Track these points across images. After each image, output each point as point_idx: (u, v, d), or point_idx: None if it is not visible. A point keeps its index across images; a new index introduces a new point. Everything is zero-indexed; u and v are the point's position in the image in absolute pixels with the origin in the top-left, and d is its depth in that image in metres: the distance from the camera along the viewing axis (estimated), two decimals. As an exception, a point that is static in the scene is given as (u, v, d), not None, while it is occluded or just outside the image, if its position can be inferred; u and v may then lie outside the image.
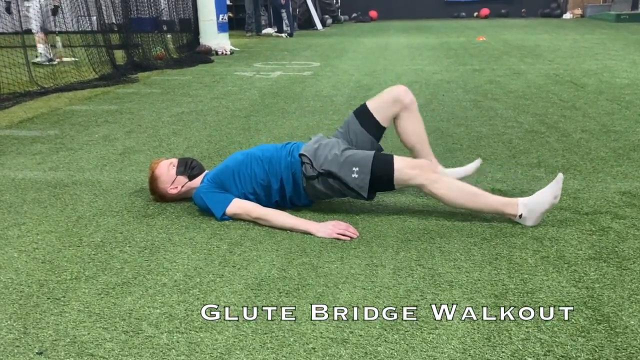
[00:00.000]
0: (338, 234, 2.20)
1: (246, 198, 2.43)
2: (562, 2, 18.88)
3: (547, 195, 2.21)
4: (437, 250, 2.08)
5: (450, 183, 2.27)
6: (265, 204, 2.43)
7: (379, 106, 2.54)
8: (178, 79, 6.68)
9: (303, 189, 2.41)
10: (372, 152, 2.35)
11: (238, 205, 2.37)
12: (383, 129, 2.56)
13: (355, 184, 2.30)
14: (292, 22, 13.70)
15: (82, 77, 6.59)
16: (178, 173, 2.56)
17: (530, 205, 2.24)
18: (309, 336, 1.57)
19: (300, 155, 2.39)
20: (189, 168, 2.57)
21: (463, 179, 2.49)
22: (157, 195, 2.61)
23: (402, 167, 2.27)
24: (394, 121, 2.58)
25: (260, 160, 2.44)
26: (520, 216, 2.25)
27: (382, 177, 2.28)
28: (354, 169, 2.30)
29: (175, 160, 2.61)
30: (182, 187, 2.56)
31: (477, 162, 2.67)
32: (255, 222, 2.34)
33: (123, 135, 3.96)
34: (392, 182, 2.29)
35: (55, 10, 7.76)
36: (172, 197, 2.59)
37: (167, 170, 2.56)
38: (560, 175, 2.21)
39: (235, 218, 2.38)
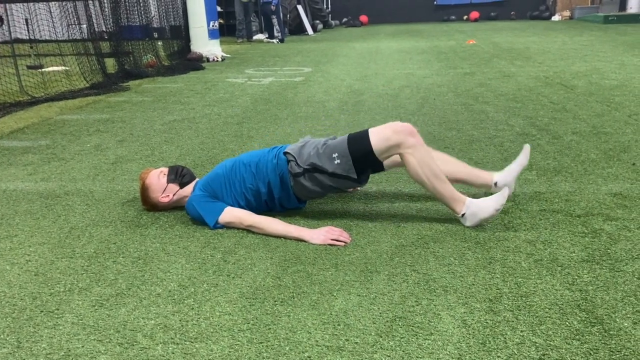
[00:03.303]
0: (332, 239, 2.20)
1: (237, 204, 2.43)
2: (550, 4, 19.03)
3: (490, 204, 2.26)
4: (432, 255, 2.09)
5: (424, 156, 2.24)
6: (256, 208, 2.43)
7: None
8: (169, 86, 6.67)
9: (291, 188, 2.41)
10: (346, 135, 2.36)
11: (231, 214, 2.36)
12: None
13: (340, 169, 2.30)
14: (282, 28, 13.72)
15: (72, 86, 6.56)
16: (169, 181, 2.55)
17: (473, 208, 2.28)
18: (304, 345, 1.57)
19: (285, 153, 2.40)
20: (179, 176, 2.57)
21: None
22: (149, 204, 2.60)
23: (377, 132, 2.27)
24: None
25: (248, 166, 2.44)
26: (463, 215, 2.29)
27: (361, 152, 2.27)
28: (333, 155, 2.30)
29: (165, 169, 2.60)
30: (174, 195, 2.56)
31: (526, 149, 2.58)
32: (248, 229, 2.34)
33: (115, 144, 3.94)
34: (374, 154, 2.26)
35: None
36: (164, 206, 2.59)
37: (157, 179, 2.56)
38: (505, 190, 2.26)
39: (228, 226, 2.38)
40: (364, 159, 2.28)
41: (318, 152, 2.34)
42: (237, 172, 2.44)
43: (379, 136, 2.26)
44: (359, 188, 2.82)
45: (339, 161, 2.29)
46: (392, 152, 2.27)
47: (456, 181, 2.49)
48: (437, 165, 2.29)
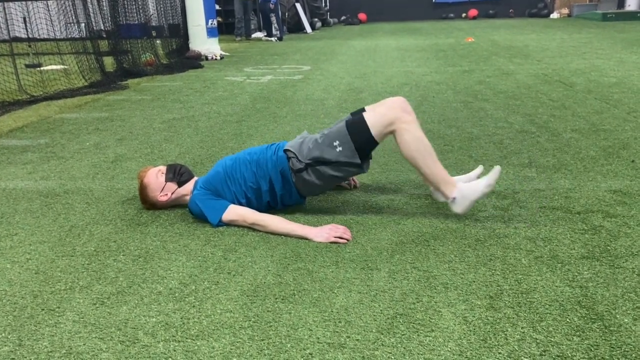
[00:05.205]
0: (335, 237, 2.20)
1: (238, 202, 2.43)
2: (549, 1, 19.03)
3: (480, 184, 2.26)
4: (432, 252, 2.09)
5: (417, 132, 2.28)
6: (257, 206, 2.43)
7: None
8: (168, 85, 6.67)
9: (294, 185, 2.41)
10: (343, 122, 2.38)
11: (234, 212, 2.36)
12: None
13: (343, 155, 2.32)
14: (281, 26, 13.71)
15: (71, 84, 6.55)
16: (167, 180, 2.55)
17: (464, 191, 2.28)
18: (306, 342, 1.57)
19: (286, 150, 2.41)
20: (177, 174, 2.57)
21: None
22: (148, 203, 2.60)
23: (372, 111, 2.32)
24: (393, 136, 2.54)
25: (248, 164, 2.45)
26: (453, 200, 2.29)
27: (361, 136, 2.30)
28: (334, 143, 2.33)
29: (163, 168, 2.60)
30: (172, 193, 2.56)
31: (478, 170, 2.56)
32: (251, 227, 2.34)
33: (114, 142, 3.94)
34: (372, 137, 2.30)
35: None
36: (162, 204, 2.59)
37: (155, 178, 2.55)
38: (497, 168, 2.25)
39: (231, 224, 2.38)
40: (363, 141, 2.31)
41: (317, 143, 2.36)
42: (238, 170, 2.44)
43: (375, 116, 2.30)
44: (358, 185, 2.82)
45: (340, 148, 2.32)
46: (388, 130, 2.30)
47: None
48: (429, 143, 2.31)
